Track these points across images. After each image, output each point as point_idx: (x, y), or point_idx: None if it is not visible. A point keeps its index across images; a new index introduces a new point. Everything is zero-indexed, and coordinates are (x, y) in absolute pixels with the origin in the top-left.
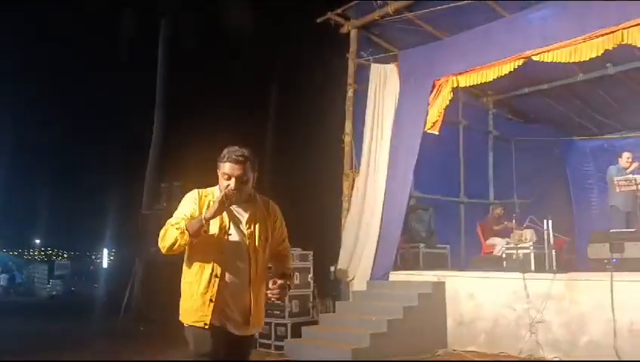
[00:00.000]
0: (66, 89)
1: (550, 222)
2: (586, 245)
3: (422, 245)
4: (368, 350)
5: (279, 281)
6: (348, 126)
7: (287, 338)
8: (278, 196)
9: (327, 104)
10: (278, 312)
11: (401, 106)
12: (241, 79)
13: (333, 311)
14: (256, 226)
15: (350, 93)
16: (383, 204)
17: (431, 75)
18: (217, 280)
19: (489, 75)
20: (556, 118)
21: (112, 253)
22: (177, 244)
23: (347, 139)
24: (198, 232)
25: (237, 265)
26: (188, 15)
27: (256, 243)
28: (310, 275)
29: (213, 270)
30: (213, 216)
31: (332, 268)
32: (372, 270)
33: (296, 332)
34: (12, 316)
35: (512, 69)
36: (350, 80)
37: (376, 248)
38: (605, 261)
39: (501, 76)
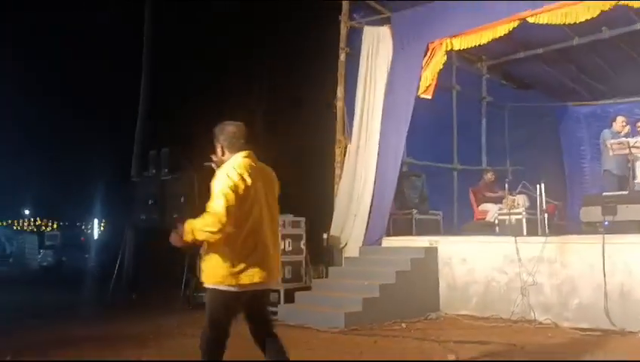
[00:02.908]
0: (54, 59)
1: (542, 187)
2: (577, 210)
3: (414, 211)
4: (361, 314)
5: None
6: (340, 91)
7: (280, 304)
8: (271, 161)
9: (321, 69)
10: None
11: (394, 70)
12: (232, 44)
13: (326, 277)
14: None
15: (342, 57)
16: (376, 170)
17: (425, 38)
18: None
19: (484, 37)
20: (550, 83)
21: (103, 223)
22: None
23: (339, 104)
24: None
25: None
26: None
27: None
28: (303, 241)
29: None
30: None
31: (325, 235)
32: (365, 236)
33: (290, 298)
34: (2, 287)
35: (507, 31)
36: (342, 44)
37: (369, 214)
38: (597, 224)
39: (496, 38)
